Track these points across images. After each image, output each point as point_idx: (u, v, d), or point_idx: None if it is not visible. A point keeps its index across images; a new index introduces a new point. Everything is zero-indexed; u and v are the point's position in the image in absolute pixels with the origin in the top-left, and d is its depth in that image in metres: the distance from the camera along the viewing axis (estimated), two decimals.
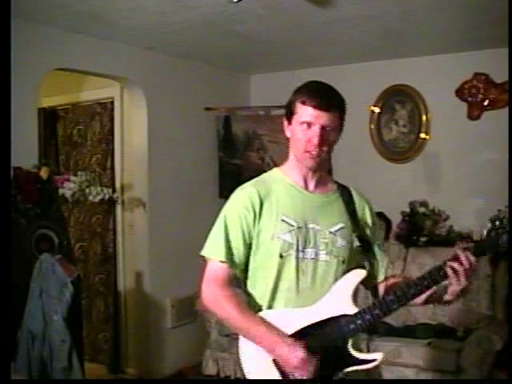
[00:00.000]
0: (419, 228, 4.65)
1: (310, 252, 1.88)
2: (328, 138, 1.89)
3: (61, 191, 3.89)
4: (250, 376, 1.85)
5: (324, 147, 1.88)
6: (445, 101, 4.83)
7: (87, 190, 4.15)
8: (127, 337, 4.92)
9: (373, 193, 5.20)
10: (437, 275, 1.79)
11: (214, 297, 1.87)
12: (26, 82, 3.82)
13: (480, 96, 4.69)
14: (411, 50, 4.77)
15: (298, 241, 1.87)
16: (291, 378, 1.79)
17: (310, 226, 1.90)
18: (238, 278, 1.93)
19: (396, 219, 4.86)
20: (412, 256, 4.64)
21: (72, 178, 3.99)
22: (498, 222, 1.77)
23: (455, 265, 1.76)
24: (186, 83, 5.08)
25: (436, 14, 3.85)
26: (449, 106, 4.81)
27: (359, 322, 1.81)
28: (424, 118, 4.96)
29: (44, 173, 3.73)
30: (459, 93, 4.77)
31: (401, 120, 5.11)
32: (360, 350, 1.86)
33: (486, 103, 4.69)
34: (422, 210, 4.73)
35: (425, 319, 4.39)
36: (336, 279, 1.89)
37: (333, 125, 1.90)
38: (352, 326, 1.81)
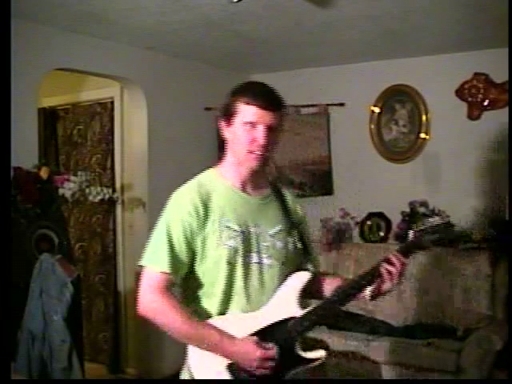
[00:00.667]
0: None
1: (254, 256, 1.87)
2: (272, 138, 1.87)
3: (61, 191, 3.89)
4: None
5: (268, 147, 1.87)
6: (445, 101, 4.83)
7: (87, 190, 4.15)
8: (127, 337, 4.92)
9: (373, 193, 5.26)
10: (373, 275, 1.90)
11: (157, 306, 1.80)
12: (26, 82, 3.82)
13: (480, 96, 4.69)
14: (411, 50, 4.77)
15: (243, 246, 1.85)
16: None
17: (252, 229, 1.89)
18: (175, 285, 1.86)
19: (396, 219, 4.87)
20: (412, 256, 4.63)
21: (72, 178, 3.99)
22: (422, 225, 1.97)
23: (388, 266, 1.89)
24: (185, 83, 5.08)
25: (436, 14, 3.85)
26: (449, 106, 4.81)
27: (306, 323, 1.84)
28: (424, 118, 4.96)
29: (44, 173, 3.73)
30: (459, 93, 4.77)
31: (401, 120, 5.11)
32: (305, 349, 1.87)
33: (486, 103, 4.69)
34: (421, 210, 4.72)
35: (425, 319, 4.39)
36: (281, 282, 1.90)
37: (276, 125, 1.88)
38: (299, 328, 1.84)
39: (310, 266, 1.97)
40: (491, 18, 3.84)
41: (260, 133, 1.84)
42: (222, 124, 1.93)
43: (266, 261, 1.89)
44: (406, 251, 1.97)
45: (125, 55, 4.58)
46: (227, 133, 1.92)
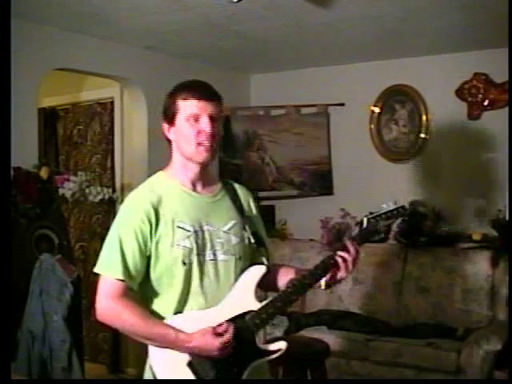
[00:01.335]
0: (419, 228, 4.65)
1: (208, 254, 1.89)
2: (216, 128, 1.90)
3: (61, 191, 3.90)
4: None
5: (215, 137, 1.89)
6: (445, 101, 4.82)
7: (87, 190, 4.15)
8: (127, 337, 4.91)
9: (373, 193, 5.25)
10: (328, 264, 1.93)
11: (112, 310, 1.83)
12: (26, 82, 3.82)
13: (480, 96, 4.69)
14: (411, 50, 4.77)
15: (197, 245, 1.87)
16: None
17: (205, 228, 1.90)
18: (133, 290, 1.86)
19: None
20: (412, 256, 4.64)
21: (72, 177, 3.99)
22: (375, 213, 2.04)
23: (344, 254, 1.92)
24: None
25: (436, 14, 3.85)
26: (449, 105, 4.81)
27: (264, 316, 1.86)
28: (424, 117, 4.96)
29: (44, 173, 3.73)
30: (459, 93, 4.77)
31: (401, 120, 5.11)
32: (264, 341, 1.89)
33: (486, 103, 4.69)
34: (421, 210, 4.72)
35: (425, 319, 4.39)
36: (237, 277, 1.92)
37: (217, 114, 1.91)
38: (257, 321, 1.85)
39: (264, 260, 1.97)
40: (491, 17, 3.84)
41: (204, 123, 1.87)
42: (165, 127, 1.96)
43: (221, 257, 1.90)
44: (361, 238, 2.00)
45: (125, 55, 4.58)
46: (171, 134, 1.95)
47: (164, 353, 1.82)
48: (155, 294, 1.89)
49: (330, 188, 5.35)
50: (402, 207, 2.07)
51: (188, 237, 1.86)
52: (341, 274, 1.93)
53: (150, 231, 1.84)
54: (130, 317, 1.81)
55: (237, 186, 2.08)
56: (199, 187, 1.96)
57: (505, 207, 4.36)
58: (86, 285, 4.91)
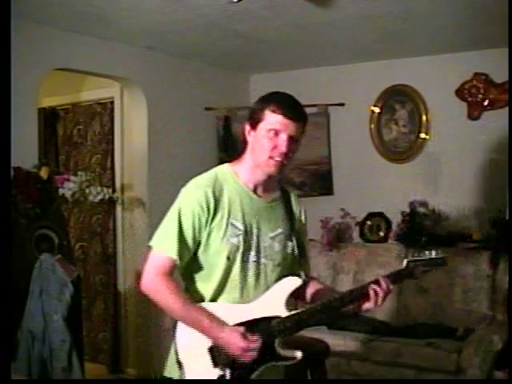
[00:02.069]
0: (419, 228, 4.65)
1: (252, 255, 1.98)
2: (293, 148, 1.95)
3: (61, 191, 3.89)
4: (183, 361, 1.91)
5: (289, 155, 1.94)
6: (445, 101, 4.83)
7: (87, 190, 4.14)
8: (127, 337, 4.92)
9: (373, 193, 5.26)
10: (359, 294, 2.03)
11: (158, 287, 1.92)
12: (25, 82, 3.82)
13: (480, 96, 4.69)
14: (411, 50, 4.77)
15: (244, 244, 1.96)
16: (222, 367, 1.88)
17: (255, 230, 1.99)
18: (178, 268, 1.98)
19: (396, 219, 4.87)
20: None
21: (72, 177, 3.99)
22: (416, 257, 2.15)
23: (377, 288, 2.02)
24: (186, 83, 5.08)
25: (436, 14, 3.85)
26: (449, 105, 4.81)
27: (288, 324, 1.94)
28: (424, 118, 4.96)
29: (44, 173, 3.73)
30: (459, 93, 4.77)
31: (401, 120, 5.11)
32: (284, 347, 1.97)
33: (485, 103, 4.69)
34: (421, 210, 4.72)
35: (425, 319, 4.39)
36: (274, 282, 2.01)
37: (298, 135, 1.96)
38: (281, 327, 1.94)
39: (301, 272, 2.06)
40: (491, 17, 3.84)
41: (282, 141, 1.92)
42: (247, 128, 2.01)
43: (262, 260, 2.00)
44: (396, 278, 2.10)
45: (125, 55, 4.59)
46: (250, 137, 2.00)
47: (190, 334, 1.91)
48: (197, 276, 1.98)
49: (330, 188, 5.35)
50: (443, 258, 2.18)
51: (237, 235, 1.95)
52: (369, 305, 2.04)
53: (206, 219, 1.93)
54: (172, 298, 1.90)
55: (293, 195, 2.16)
56: (260, 190, 2.03)
57: (505, 207, 4.35)
58: (86, 285, 4.93)
